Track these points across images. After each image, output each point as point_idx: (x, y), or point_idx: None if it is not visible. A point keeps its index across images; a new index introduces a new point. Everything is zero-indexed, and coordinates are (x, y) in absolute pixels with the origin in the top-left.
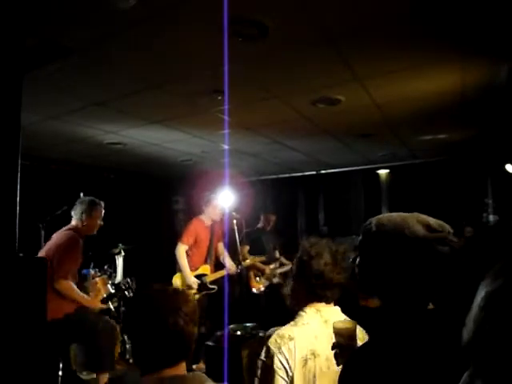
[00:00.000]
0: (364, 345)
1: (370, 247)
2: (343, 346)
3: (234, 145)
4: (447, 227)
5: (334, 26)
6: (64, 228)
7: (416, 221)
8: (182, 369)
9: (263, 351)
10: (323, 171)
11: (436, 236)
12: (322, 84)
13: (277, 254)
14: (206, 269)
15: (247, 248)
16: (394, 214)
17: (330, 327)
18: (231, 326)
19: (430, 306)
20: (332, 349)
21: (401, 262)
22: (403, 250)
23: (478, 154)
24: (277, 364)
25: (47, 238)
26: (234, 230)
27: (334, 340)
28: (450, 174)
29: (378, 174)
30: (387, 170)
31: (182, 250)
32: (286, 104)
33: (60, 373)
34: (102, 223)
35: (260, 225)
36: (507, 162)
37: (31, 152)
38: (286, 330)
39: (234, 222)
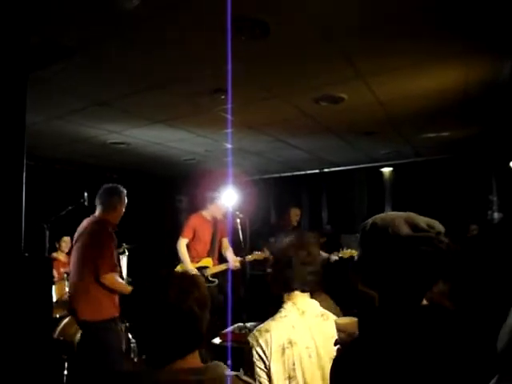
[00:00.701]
0: (354, 340)
1: (364, 244)
2: (345, 342)
3: (237, 144)
4: (437, 228)
5: (337, 23)
6: (93, 220)
7: (403, 220)
8: (196, 359)
9: (246, 346)
10: (326, 169)
11: (419, 235)
12: (325, 82)
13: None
14: (208, 261)
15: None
16: (389, 214)
17: (306, 318)
18: (236, 325)
19: (425, 303)
20: (334, 345)
21: (386, 260)
22: (386, 247)
23: (481, 151)
24: (255, 356)
25: (52, 237)
26: (237, 229)
27: (316, 330)
28: (453, 172)
29: (381, 172)
30: (391, 168)
31: (181, 242)
32: (289, 102)
33: (65, 372)
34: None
35: (292, 220)
36: (511, 159)
37: (35, 152)
38: (265, 324)
39: (238, 221)
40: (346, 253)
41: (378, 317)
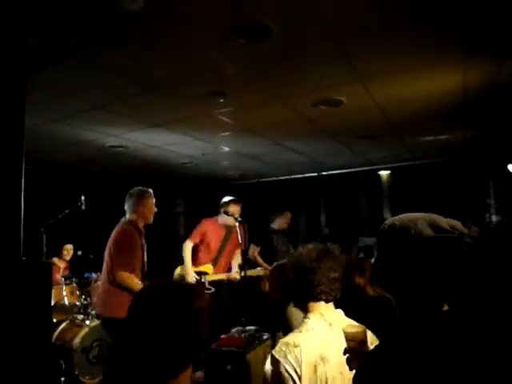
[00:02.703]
0: (377, 347)
1: (382, 246)
2: (354, 350)
3: (235, 147)
4: (460, 228)
5: (336, 27)
6: (120, 223)
7: (425, 221)
8: (188, 380)
9: (268, 361)
10: (324, 173)
11: (443, 237)
12: (324, 85)
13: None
14: (208, 268)
15: (257, 249)
16: (408, 215)
17: (335, 331)
18: (235, 328)
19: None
20: (344, 354)
21: (408, 262)
22: (409, 249)
23: (479, 154)
24: (284, 374)
25: (49, 241)
26: (236, 232)
27: (344, 345)
28: (451, 175)
29: (379, 175)
30: (388, 171)
31: (186, 244)
32: (288, 106)
33: (63, 378)
34: (156, 209)
35: (274, 225)
36: (509, 162)
37: (32, 155)
38: (291, 337)
39: (237, 224)
40: None
41: (400, 323)
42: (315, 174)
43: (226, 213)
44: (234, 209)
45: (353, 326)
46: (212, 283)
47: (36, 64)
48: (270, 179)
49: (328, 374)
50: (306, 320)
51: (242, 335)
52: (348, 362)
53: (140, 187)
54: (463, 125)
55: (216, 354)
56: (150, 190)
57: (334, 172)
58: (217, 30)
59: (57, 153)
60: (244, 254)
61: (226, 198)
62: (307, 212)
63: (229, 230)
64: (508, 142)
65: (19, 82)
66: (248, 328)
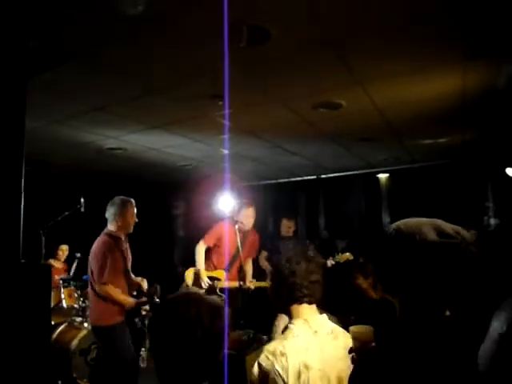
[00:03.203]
0: (374, 349)
1: (387, 250)
2: (361, 350)
3: (235, 149)
4: (464, 234)
5: (336, 30)
6: (101, 233)
7: (431, 226)
8: None
9: (255, 370)
10: (323, 175)
11: (448, 242)
12: (323, 88)
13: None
14: (221, 274)
15: (265, 254)
16: (413, 220)
17: (319, 338)
18: (232, 332)
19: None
20: (349, 353)
21: (412, 266)
22: (413, 254)
23: (478, 157)
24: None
25: (48, 244)
26: (235, 235)
27: (328, 351)
28: (450, 178)
29: (378, 178)
30: (387, 174)
31: (200, 247)
32: (287, 108)
33: (60, 381)
34: (136, 220)
35: (282, 231)
36: (508, 166)
37: (31, 157)
38: (277, 344)
39: (236, 227)
40: (343, 257)
41: (400, 326)
42: (314, 177)
43: (242, 217)
44: (250, 213)
45: (360, 326)
46: (222, 290)
47: (36, 66)
48: (269, 182)
49: (310, 381)
50: (291, 326)
51: (242, 338)
52: (352, 361)
53: (122, 196)
54: (462, 128)
55: None
56: (132, 200)
57: (334, 175)
58: (216, 33)
59: (56, 155)
60: (255, 262)
61: (241, 201)
62: (306, 214)
63: (245, 235)
64: (506, 146)
65: (20, 84)
66: (247, 330)
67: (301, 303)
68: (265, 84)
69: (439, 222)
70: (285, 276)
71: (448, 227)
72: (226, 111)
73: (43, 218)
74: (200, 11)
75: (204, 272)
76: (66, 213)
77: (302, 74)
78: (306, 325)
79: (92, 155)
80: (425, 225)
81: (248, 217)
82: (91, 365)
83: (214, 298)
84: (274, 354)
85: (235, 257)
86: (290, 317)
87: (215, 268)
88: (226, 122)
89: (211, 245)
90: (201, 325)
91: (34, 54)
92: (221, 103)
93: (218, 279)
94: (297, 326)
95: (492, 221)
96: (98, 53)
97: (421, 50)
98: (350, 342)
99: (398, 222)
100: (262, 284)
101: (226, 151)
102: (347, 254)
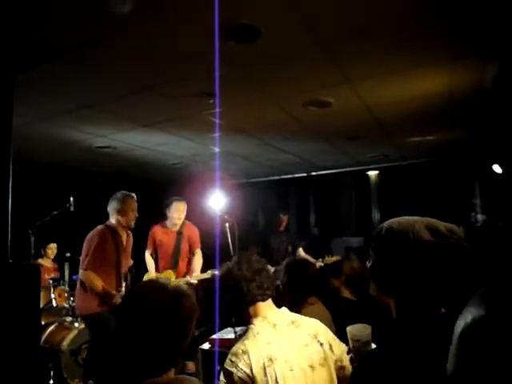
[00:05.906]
0: (375, 349)
1: (379, 249)
2: (358, 350)
3: (225, 147)
4: (458, 233)
5: (325, 29)
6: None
7: (424, 225)
8: (171, 373)
9: (222, 375)
10: (314, 173)
11: (442, 241)
12: (313, 86)
13: (302, 253)
14: (169, 274)
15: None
16: (405, 218)
17: (279, 330)
18: (223, 330)
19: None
20: (347, 353)
21: (406, 265)
22: (407, 253)
23: (466, 154)
24: (238, 383)
25: (37, 243)
26: (226, 232)
27: (292, 341)
28: (438, 175)
29: (367, 175)
30: (377, 172)
31: (146, 255)
32: (277, 106)
33: (51, 382)
34: (137, 215)
35: (281, 226)
36: (495, 163)
37: (19, 155)
38: (238, 346)
39: (227, 225)
40: (330, 260)
41: (398, 326)
42: (305, 174)
43: (172, 213)
44: (179, 207)
45: (358, 326)
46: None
47: (23, 63)
48: (259, 179)
49: (278, 372)
50: (251, 326)
51: (233, 336)
52: (351, 361)
53: (123, 191)
54: (450, 126)
55: (207, 354)
56: (133, 195)
57: (324, 172)
58: (206, 31)
59: (45, 153)
60: (232, 244)
61: (170, 199)
62: (297, 212)
63: (179, 231)
64: (493, 143)
65: (7, 81)
66: (238, 329)
67: (254, 303)
68: (255, 82)
69: (432, 220)
70: (232, 287)
71: (441, 225)
72: (217, 109)
73: (32, 217)
74: (189, 9)
75: (154, 275)
76: (55, 212)
77: (291, 72)
78: (264, 321)
79: (81, 153)
80: (418, 223)
81: (178, 211)
82: (82, 365)
83: (180, 286)
84: (236, 354)
85: (177, 253)
86: (249, 318)
87: (164, 269)
88: (217, 120)
89: (152, 249)
90: (163, 312)
91: (21, 51)
92: (211, 101)
93: (168, 279)
94: (257, 324)
95: (479, 217)
96: (85, 50)
97: (408, 49)
98: (312, 327)
99: (390, 221)
100: (204, 276)
101: (216, 149)
102: (336, 256)
